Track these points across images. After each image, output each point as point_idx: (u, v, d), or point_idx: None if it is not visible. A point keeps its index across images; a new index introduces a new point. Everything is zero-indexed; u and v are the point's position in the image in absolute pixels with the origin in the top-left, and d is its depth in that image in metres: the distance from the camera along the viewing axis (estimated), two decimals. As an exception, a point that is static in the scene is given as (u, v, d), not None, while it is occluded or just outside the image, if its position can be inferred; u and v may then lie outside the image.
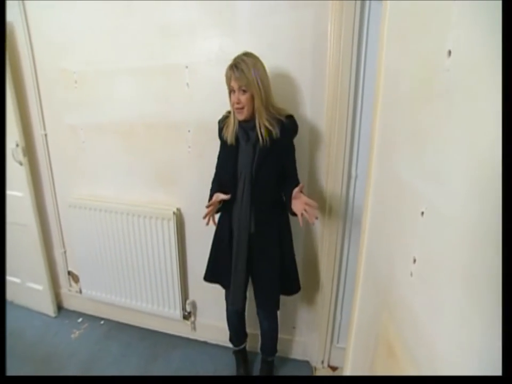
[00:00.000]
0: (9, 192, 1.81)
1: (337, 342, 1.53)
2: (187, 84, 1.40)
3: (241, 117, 1.10)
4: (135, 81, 1.48)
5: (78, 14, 1.49)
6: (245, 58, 1.04)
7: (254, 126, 1.10)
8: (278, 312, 1.38)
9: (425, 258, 0.52)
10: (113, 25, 1.45)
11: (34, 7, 1.55)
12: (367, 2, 1.11)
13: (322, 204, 1.36)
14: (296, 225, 1.35)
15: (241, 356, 1.53)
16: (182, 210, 1.57)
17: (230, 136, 1.14)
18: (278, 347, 1.47)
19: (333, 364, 1.56)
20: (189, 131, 1.45)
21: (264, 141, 1.09)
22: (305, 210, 0.99)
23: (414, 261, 0.54)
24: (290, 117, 1.13)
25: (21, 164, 1.73)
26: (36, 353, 1.69)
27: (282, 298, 1.49)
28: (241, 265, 1.19)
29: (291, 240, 1.27)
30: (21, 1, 1.55)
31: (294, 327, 1.59)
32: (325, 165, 1.32)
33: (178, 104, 1.44)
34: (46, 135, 1.75)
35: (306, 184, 1.34)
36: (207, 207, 1.11)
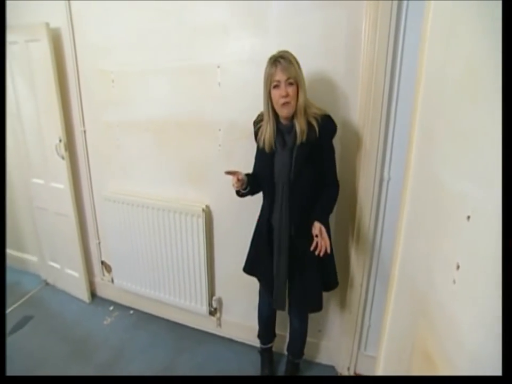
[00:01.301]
0: (53, 184, 1.99)
1: (365, 349, 1.51)
2: (219, 84, 1.44)
3: (287, 112, 1.07)
4: (168, 80, 1.56)
5: (116, 17, 1.60)
6: (288, 53, 1.05)
7: (292, 128, 1.10)
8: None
9: (471, 265, 0.50)
10: (148, 27, 1.53)
11: (79, 13, 1.69)
12: (405, 2, 1.09)
13: (353, 206, 1.35)
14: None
15: (267, 355, 1.56)
16: (211, 208, 1.62)
17: (267, 144, 1.13)
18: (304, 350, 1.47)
19: (359, 371, 1.54)
20: (219, 130, 1.50)
21: (301, 140, 1.08)
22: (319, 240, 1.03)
23: (458, 267, 0.52)
24: (328, 117, 1.12)
25: (62, 158, 1.89)
26: (73, 334, 1.86)
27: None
28: (282, 269, 1.21)
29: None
30: (67, 7, 1.70)
31: (319, 330, 1.59)
32: (356, 167, 1.31)
33: (210, 103, 1.49)
34: (85, 131, 1.89)
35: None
36: (226, 173, 1.12)
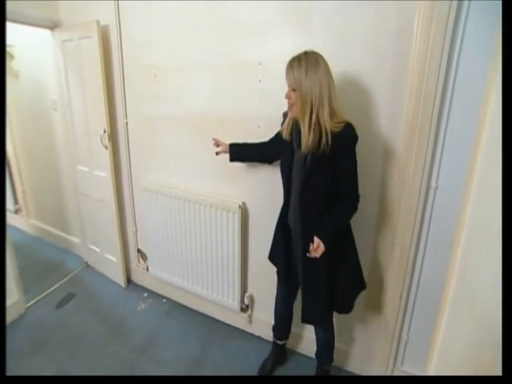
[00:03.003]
0: (96, 172, 2.17)
1: (402, 365, 1.50)
2: (259, 80, 1.48)
3: (291, 113, 1.15)
4: (209, 76, 1.62)
5: (161, 14, 1.69)
6: (303, 57, 1.05)
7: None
8: (336, 320, 1.40)
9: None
10: (191, 24, 1.60)
11: (126, 10, 1.81)
12: (466, 2, 1.04)
13: (395, 213, 1.34)
14: (363, 235, 1.38)
15: (276, 350, 1.63)
16: (247, 205, 1.66)
17: (285, 132, 1.21)
18: (334, 356, 1.47)
19: (393, 386, 1.50)
20: (258, 127, 1.54)
21: (307, 151, 1.10)
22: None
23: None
24: (345, 127, 1.06)
25: (106, 147, 2.02)
26: (110, 315, 2.07)
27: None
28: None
29: (353, 258, 1.26)
30: (116, 5, 1.83)
31: (352, 338, 1.60)
32: (401, 173, 1.28)
33: (250, 100, 1.53)
34: (127, 123, 2.04)
35: (378, 192, 1.34)
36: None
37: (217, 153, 1.48)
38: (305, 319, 1.29)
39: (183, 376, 1.61)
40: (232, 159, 1.45)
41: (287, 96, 1.11)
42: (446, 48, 1.09)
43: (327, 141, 1.04)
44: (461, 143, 1.15)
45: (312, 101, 1.03)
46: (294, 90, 1.07)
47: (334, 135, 1.04)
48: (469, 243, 0.79)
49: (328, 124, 1.04)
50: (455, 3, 1.04)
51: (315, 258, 1.14)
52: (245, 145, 1.46)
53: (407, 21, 1.13)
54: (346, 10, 1.22)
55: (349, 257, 1.25)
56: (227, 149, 1.44)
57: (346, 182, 1.13)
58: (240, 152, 1.45)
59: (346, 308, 1.27)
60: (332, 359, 1.49)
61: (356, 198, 1.16)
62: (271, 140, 1.39)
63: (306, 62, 1.03)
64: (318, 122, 1.06)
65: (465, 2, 1.04)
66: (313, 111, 1.04)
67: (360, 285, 1.30)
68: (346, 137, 1.07)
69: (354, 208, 1.16)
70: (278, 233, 1.37)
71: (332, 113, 1.05)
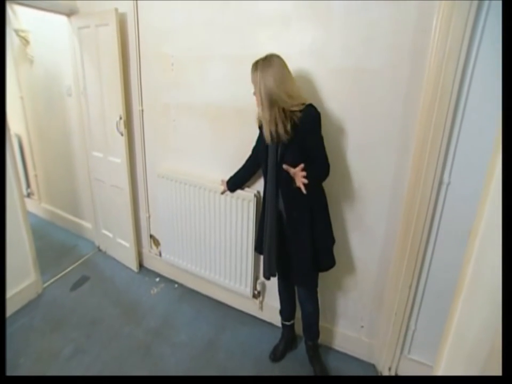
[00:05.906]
0: (111, 158, 2.24)
1: (408, 353, 1.58)
2: None
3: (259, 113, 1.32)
4: (227, 67, 1.69)
5: (179, 3, 1.74)
6: (259, 61, 1.24)
7: None
8: (347, 308, 1.45)
9: None
10: (210, 15, 1.66)
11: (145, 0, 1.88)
12: (486, 2, 1.08)
13: (407, 206, 1.39)
14: (374, 228, 1.47)
15: (286, 331, 1.76)
16: (262, 194, 1.70)
17: (266, 135, 1.33)
18: (343, 343, 1.54)
19: (401, 374, 1.59)
20: None
21: (278, 140, 1.26)
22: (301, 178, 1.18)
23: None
24: (306, 108, 1.24)
25: (122, 134, 2.09)
26: (124, 299, 2.20)
27: (354, 295, 1.65)
28: (270, 238, 1.43)
29: (326, 222, 1.42)
30: None
31: (362, 326, 1.70)
32: (414, 168, 1.34)
33: None
34: (142, 110, 2.10)
35: (390, 188, 1.41)
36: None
37: (222, 193, 1.76)
38: (298, 282, 1.45)
39: (184, 376, 1.66)
40: (232, 190, 1.71)
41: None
42: (464, 47, 1.13)
43: (294, 122, 1.22)
44: (475, 140, 1.21)
45: (263, 99, 1.22)
46: (254, 94, 1.26)
47: (299, 115, 1.22)
48: (487, 232, 0.83)
49: (290, 106, 1.21)
50: (475, 3, 1.07)
51: (298, 227, 1.34)
52: (237, 172, 1.69)
53: (425, 21, 1.18)
54: (365, 8, 1.27)
55: (323, 219, 1.41)
56: (225, 185, 1.72)
57: (317, 156, 1.28)
58: (235, 182, 1.70)
59: (330, 262, 1.45)
60: (319, 332, 1.61)
61: (327, 165, 1.30)
62: (254, 149, 1.59)
63: (262, 65, 1.22)
64: (283, 110, 1.23)
65: (486, 2, 1.07)
66: (274, 105, 1.22)
67: (333, 240, 1.46)
68: (309, 116, 1.24)
69: (326, 172, 1.29)
70: (261, 225, 1.52)
71: (290, 98, 1.22)
